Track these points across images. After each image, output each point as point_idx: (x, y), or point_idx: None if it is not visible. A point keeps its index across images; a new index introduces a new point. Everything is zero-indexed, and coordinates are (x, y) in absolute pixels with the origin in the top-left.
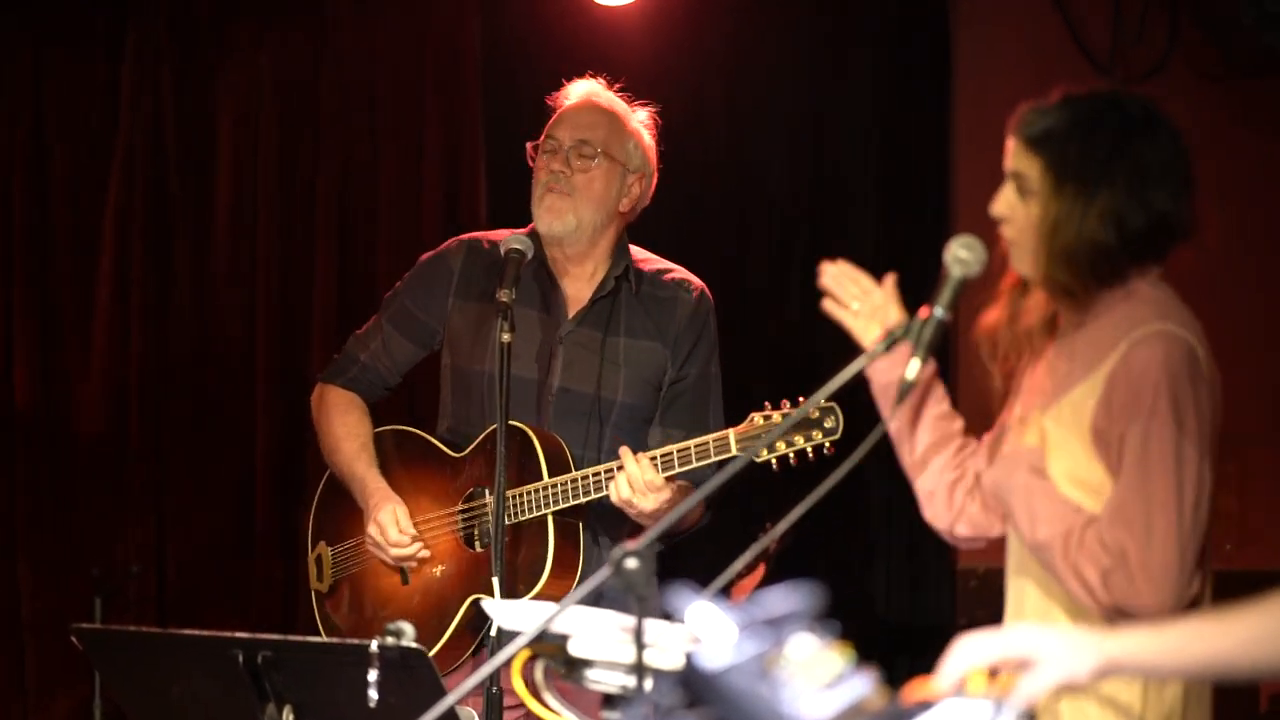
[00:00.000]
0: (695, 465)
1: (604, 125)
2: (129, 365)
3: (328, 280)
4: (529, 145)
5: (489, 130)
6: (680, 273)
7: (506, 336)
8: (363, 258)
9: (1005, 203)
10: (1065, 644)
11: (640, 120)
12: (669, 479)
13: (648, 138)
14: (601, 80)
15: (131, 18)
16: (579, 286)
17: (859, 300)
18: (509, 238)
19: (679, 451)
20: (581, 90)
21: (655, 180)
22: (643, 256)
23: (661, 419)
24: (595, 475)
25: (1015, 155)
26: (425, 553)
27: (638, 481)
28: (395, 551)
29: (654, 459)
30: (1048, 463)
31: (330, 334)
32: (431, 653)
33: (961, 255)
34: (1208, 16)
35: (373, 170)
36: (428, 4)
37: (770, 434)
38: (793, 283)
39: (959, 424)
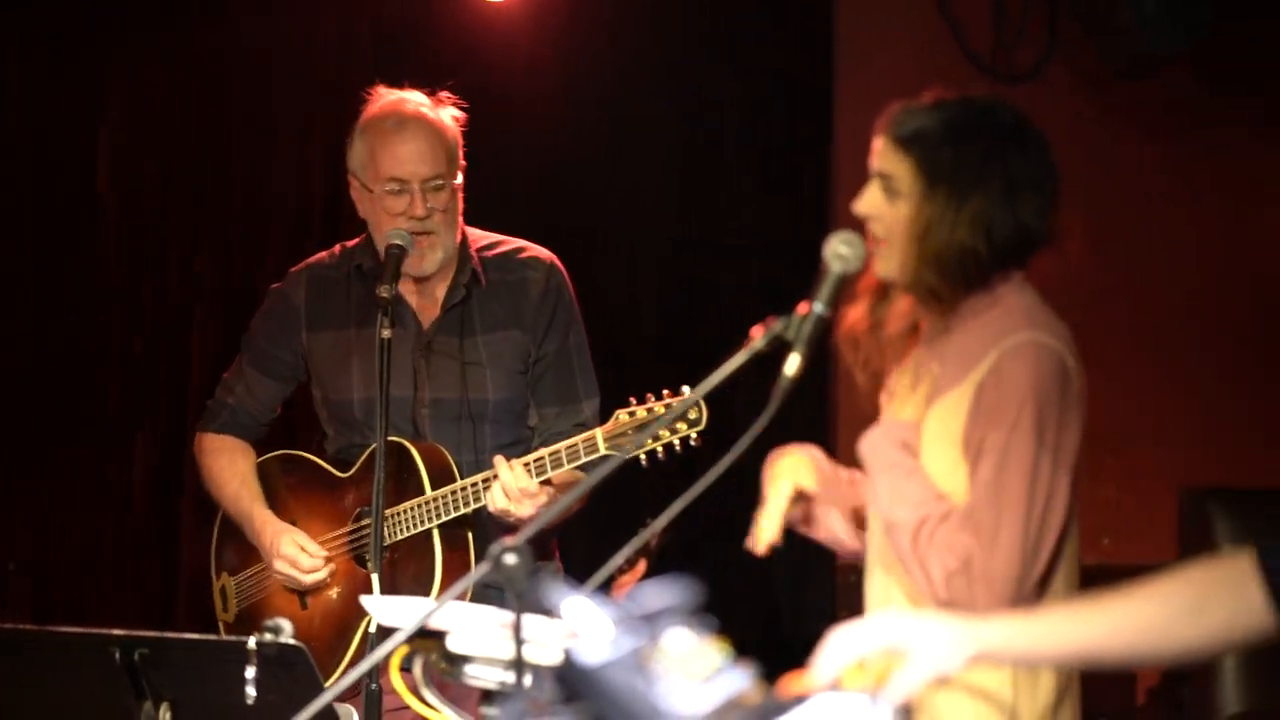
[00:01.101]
0: (567, 468)
1: (442, 149)
2: (10, 364)
3: (213, 281)
4: (353, 178)
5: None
6: (528, 250)
7: (386, 333)
8: (249, 258)
9: (869, 202)
10: (938, 633)
11: (450, 116)
12: (543, 483)
13: (458, 129)
14: (407, 87)
15: (14, 10)
16: (425, 296)
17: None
18: (389, 233)
19: (550, 455)
20: (400, 112)
21: None
22: (485, 241)
23: (534, 400)
24: (474, 485)
25: (884, 155)
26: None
27: (513, 490)
28: (312, 578)
29: (527, 465)
30: (921, 445)
31: (214, 335)
32: (336, 675)
33: (841, 251)
34: (1088, 18)
35: (261, 169)
36: (317, 2)
37: (643, 432)
38: (670, 280)
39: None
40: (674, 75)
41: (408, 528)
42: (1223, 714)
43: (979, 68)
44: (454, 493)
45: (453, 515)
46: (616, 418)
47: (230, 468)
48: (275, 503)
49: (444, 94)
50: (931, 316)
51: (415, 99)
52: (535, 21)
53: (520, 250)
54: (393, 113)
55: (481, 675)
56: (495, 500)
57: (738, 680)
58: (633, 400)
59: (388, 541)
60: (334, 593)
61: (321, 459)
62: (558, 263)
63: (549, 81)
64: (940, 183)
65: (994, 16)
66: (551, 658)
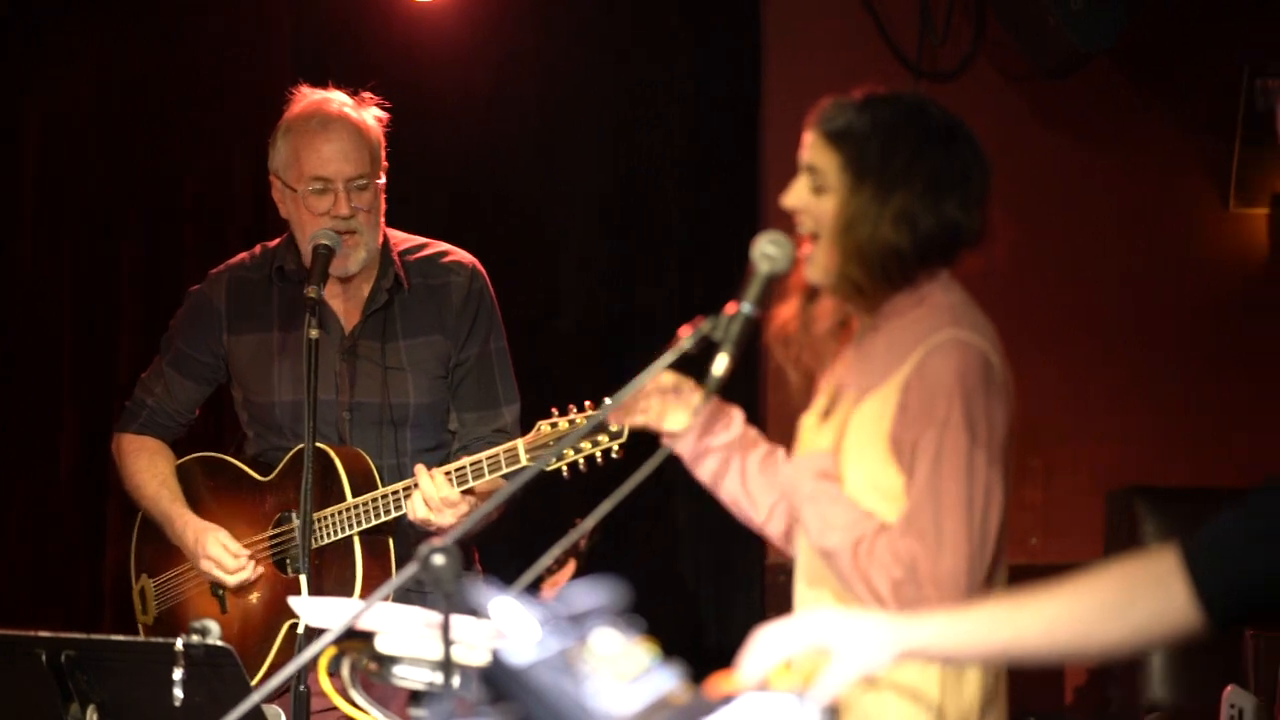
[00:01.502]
0: (489, 478)
1: (366, 149)
2: None
3: (134, 283)
4: (275, 178)
5: None
6: (451, 255)
7: (314, 333)
8: (172, 258)
9: (797, 195)
10: (864, 632)
11: (372, 115)
12: (465, 492)
13: (380, 129)
14: (332, 87)
15: None
16: (347, 299)
17: (651, 403)
18: (316, 233)
19: (471, 465)
20: (323, 111)
21: None
22: (407, 244)
23: (454, 405)
24: (395, 493)
25: (812, 149)
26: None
27: (434, 499)
28: (238, 578)
29: (448, 473)
30: (842, 467)
31: (137, 336)
32: (256, 679)
33: (769, 251)
34: (1013, 16)
35: (182, 169)
36: (241, 1)
37: (563, 441)
38: (597, 279)
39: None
40: (601, 77)
41: (329, 534)
42: (1151, 712)
43: (906, 66)
44: (375, 500)
45: (374, 523)
46: (538, 428)
47: (150, 469)
48: (195, 505)
49: (366, 94)
50: (858, 313)
51: (338, 99)
52: (462, 22)
53: (443, 254)
54: (316, 112)
55: (409, 676)
56: (415, 509)
57: (665, 680)
58: (554, 411)
59: (312, 548)
60: (255, 596)
61: (241, 462)
62: (480, 267)
63: (475, 83)
64: (866, 178)
65: (921, 15)
66: (479, 658)
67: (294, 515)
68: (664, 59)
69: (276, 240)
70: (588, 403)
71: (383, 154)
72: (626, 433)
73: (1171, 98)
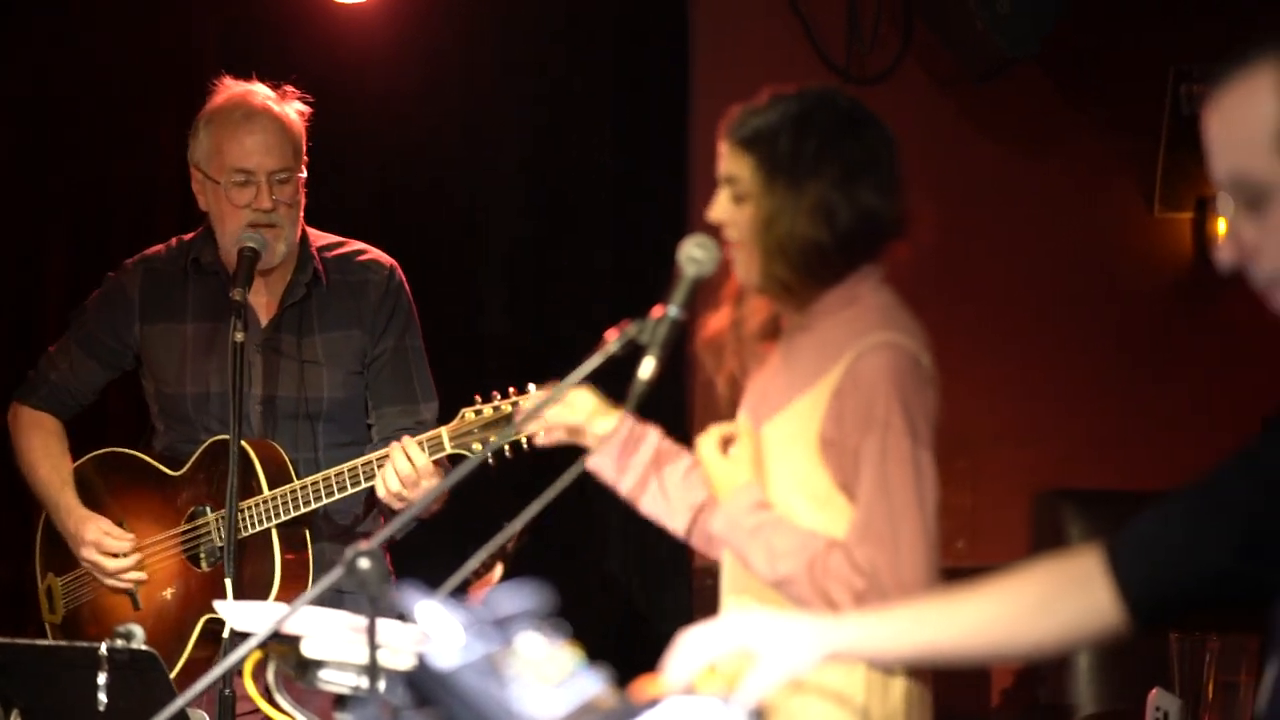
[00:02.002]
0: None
1: (287, 143)
2: None
3: (59, 281)
4: (196, 170)
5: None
6: (369, 254)
7: (239, 336)
8: (98, 256)
9: (720, 208)
10: (788, 633)
11: (295, 110)
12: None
13: (302, 124)
14: (256, 82)
15: None
16: (264, 293)
17: (567, 414)
18: (242, 235)
19: (430, 440)
20: (247, 103)
21: None
22: (325, 242)
23: (372, 398)
24: (315, 484)
25: (727, 158)
26: (141, 575)
27: (409, 474)
28: (118, 564)
29: (420, 444)
30: (768, 478)
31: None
32: (173, 674)
33: (695, 255)
34: (941, 21)
35: (106, 167)
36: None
37: (491, 429)
38: (525, 282)
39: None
40: (527, 79)
41: (247, 527)
42: (1077, 714)
43: (834, 71)
44: (293, 492)
45: (292, 515)
46: (462, 415)
47: (44, 449)
48: (99, 505)
49: (289, 88)
50: (788, 312)
51: (262, 91)
52: (387, 23)
53: (361, 253)
54: (240, 104)
55: (335, 680)
56: (388, 484)
57: (591, 684)
58: (478, 398)
59: (223, 543)
60: (169, 592)
61: (150, 456)
62: (397, 268)
63: (398, 82)
64: (779, 175)
65: (848, 20)
66: (405, 662)
67: (208, 510)
68: (590, 66)
69: (192, 234)
70: (512, 390)
71: (304, 148)
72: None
73: (1097, 102)
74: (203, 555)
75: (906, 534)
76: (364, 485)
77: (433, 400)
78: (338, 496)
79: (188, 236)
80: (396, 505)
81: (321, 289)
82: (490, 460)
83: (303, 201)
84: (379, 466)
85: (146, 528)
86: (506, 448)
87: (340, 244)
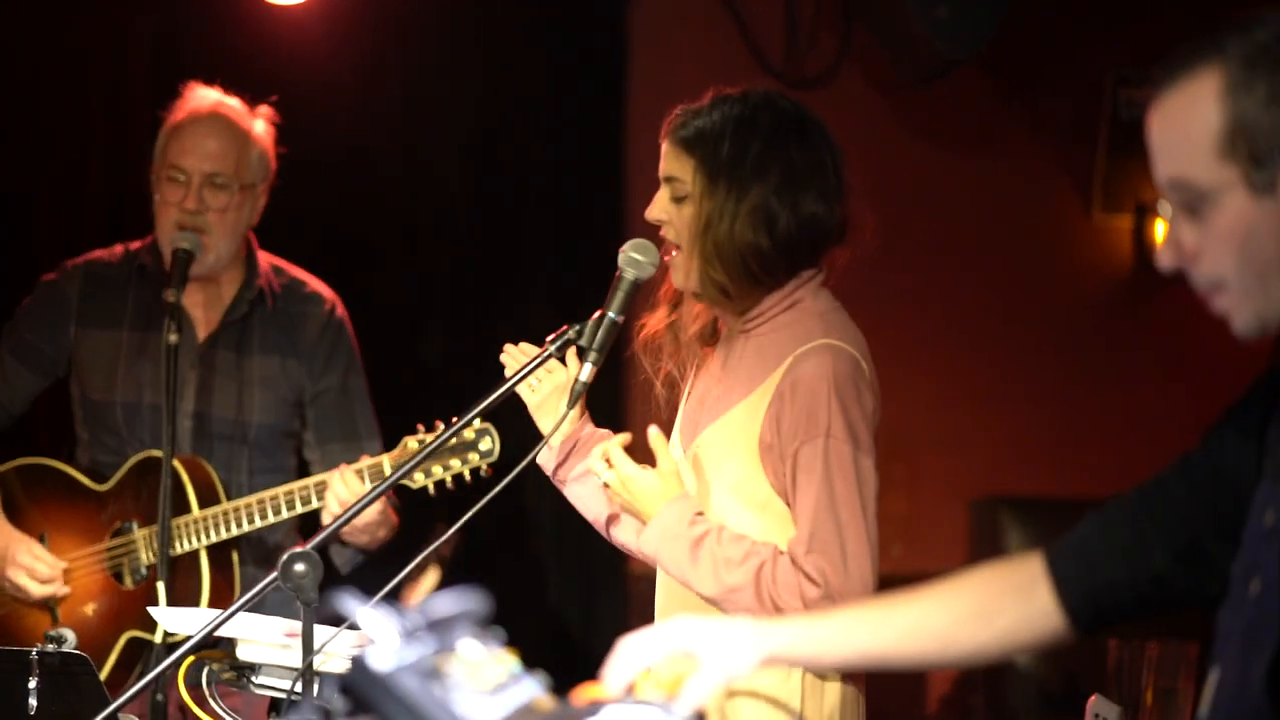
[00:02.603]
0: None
1: (233, 151)
2: None
3: None
4: (156, 169)
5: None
6: (313, 285)
7: (173, 338)
8: (24, 256)
9: (659, 207)
10: (725, 638)
11: (261, 126)
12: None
13: (268, 141)
14: (218, 89)
15: None
16: (206, 307)
17: (541, 378)
18: (175, 235)
19: (370, 468)
20: (201, 105)
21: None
22: (277, 265)
23: (315, 435)
24: (248, 507)
25: (669, 159)
26: (65, 589)
27: (348, 500)
28: (46, 590)
29: (359, 471)
30: (705, 484)
31: None
32: None
33: (635, 258)
34: (879, 24)
35: (36, 169)
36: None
37: (431, 454)
38: (465, 289)
39: None
40: (464, 84)
41: (176, 547)
42: None
43: (772, 74)
44: (225, 514)
45: (224, 537)
46: (405, 444)
47: None
48: (20, 518)
49: (264, 107)
50: (726, 317)
51: (226, 101)
52: (323, 25)
53: (305, 284)
54: (198, 108)
55: (270, 684)
56: (333, 510)
57: (529, 690)
58: (421, 428)
59: (151, 561)
60: (90, 608)
61: (73, 469)
62: (339, 303)
63: (335, 88)
64: (720, 178)
65: (786, 23)
66: (340, 666)
67: (134, 525)
68: (527, 71)
69: (140, 242)
70: (454, 419)
71: (265, 167)
72: (496, 451)
73: (1036, 106)
74: (127, 572)
75: (852, 543)
76: (299, 510)
77: (375, 438)
78: (271, 520)
79: (135, 245)
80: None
81: (265, 310)
82: (432, 491)
83: (250, 219)
84: (316, 493)
85: (69, 542)
86: (449, 480)
87: (288, 271)
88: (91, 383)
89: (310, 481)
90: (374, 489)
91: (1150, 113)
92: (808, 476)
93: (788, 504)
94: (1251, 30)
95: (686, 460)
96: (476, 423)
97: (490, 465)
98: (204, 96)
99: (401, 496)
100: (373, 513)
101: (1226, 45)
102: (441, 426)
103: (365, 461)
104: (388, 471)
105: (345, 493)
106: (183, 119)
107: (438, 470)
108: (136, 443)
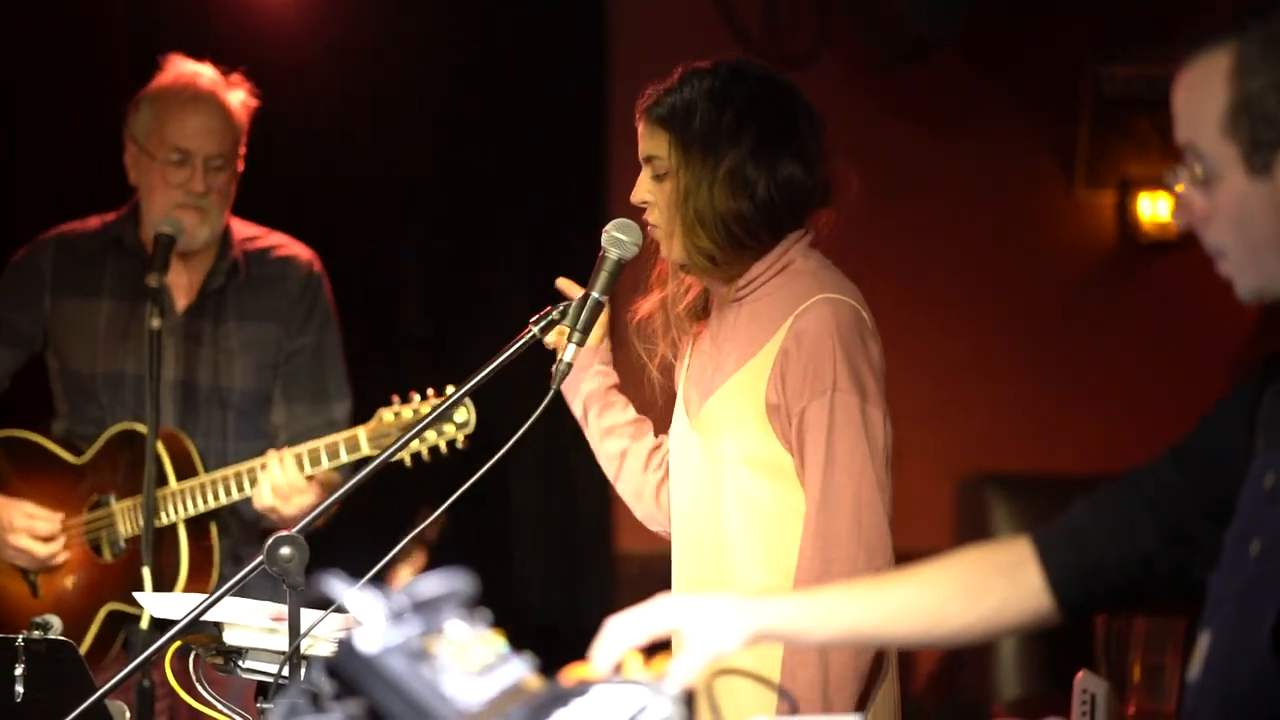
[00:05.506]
0: (326, 466)
1: (229, 131)
2: None
3: None
4: (132, 143)
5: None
6: (288, 247)
7: (156, 322)
8: (2, 234)
9: (643, 189)
10: (713, 615)
11: (238, 98)
12: (307, 479)
13: (245, 114)
14: (206, 63)
15: None
16: (184, 276)
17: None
18: (159, 220)
19: (309, 452)
20: (198, 84)
21: None
22: (248, 233)
23: (283, 394)
24: (225, 479)
25: (645, 138)
26: (66, 554)
27: (283, 486)
28: (48, 549)
29: (298, 455)
30: (715, 457)
31: None
32: None
33: (618, 237)
34: (859, 3)
35: (9, 152)
36: None
37: (409, 431)
38: (440, 267)
39: (647, 425)
40: (442, 66)
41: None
42: (999, 699)
43: (752, 54)
44: (202, 486)
45: (200, 509)
46: (379, 416)
47: None
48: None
49: (236, 76)
50: (717, 286)
51: (210, 75)
52: (298, 8)
53: (280, 246)
54: (189, 85)
55: (257, 668)
56: (262, 498)
57: (516, 671)
58: (396, 399)
59: (130, 534)
60: (69, 580)
61: (50, 441)
62: (317, 261)
63: (312, 70)
64: (694, 147)
65: (766, 4)
66: (327, 649)
67: (112, 499)
68: (508, 49)
69: (116, 213)
70: (430, 391)
71: (243, 140)
72: (473, 422)
73: (1018, 83)
74: (105, 544)
75: (866, 496)
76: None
77: (347, 399)
78: (249, 492)
79: (110, 216)
80: (271, 517)
81: (239, 279)
82: (408, 462)
83: (234, 193)
84: (299, 460)
85: None
86: (425, 452)
87: (260, 236)
88: (69, 354)
89: (290, 452)
90: (363, 472)
91: (1174, 80)
92: (817, 434)
93: (799, 461)
94: (1270, 16)
95: (693, 435)
96: (449, 391)
97: (467, 437)
98: (196, 73)
99: (380, 472)
100: (299, 483)
101: (1248, 26)
102: (417, 398)
103: (340, 435)
104: (363, 443)
105: (281, 479)
106: (181, 99)
107: (414, 444)
108: (119, 412)
